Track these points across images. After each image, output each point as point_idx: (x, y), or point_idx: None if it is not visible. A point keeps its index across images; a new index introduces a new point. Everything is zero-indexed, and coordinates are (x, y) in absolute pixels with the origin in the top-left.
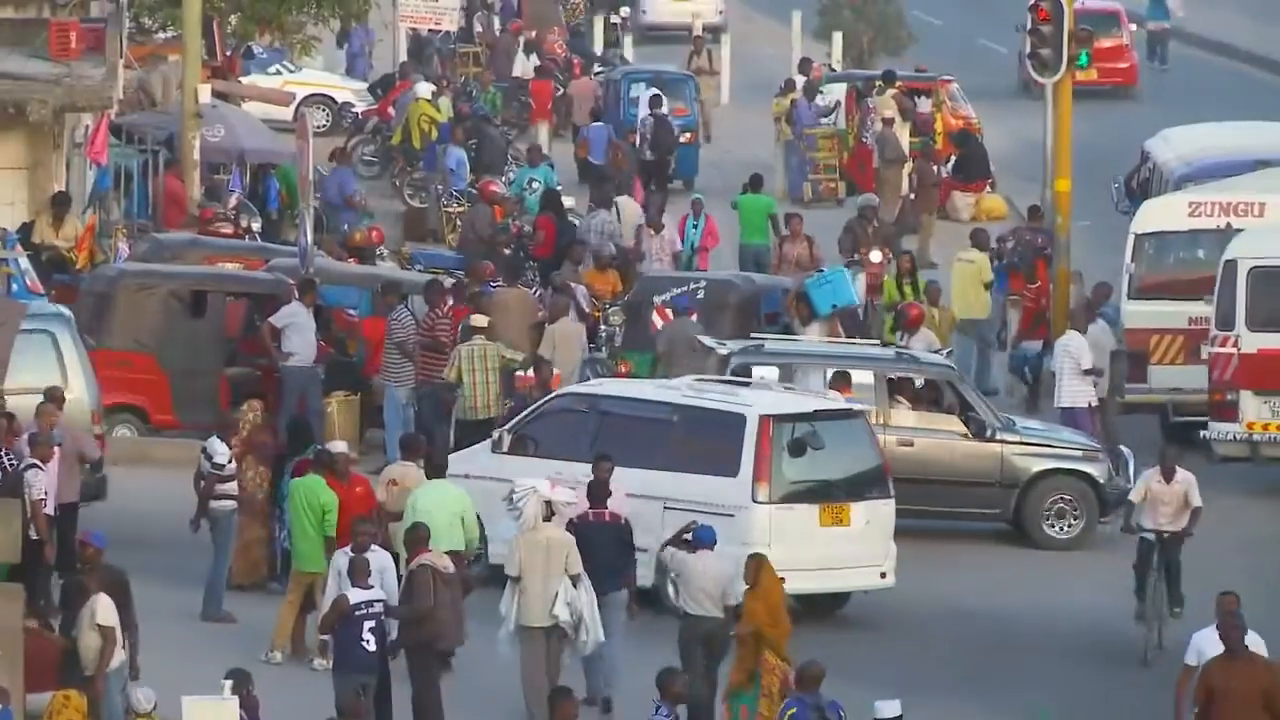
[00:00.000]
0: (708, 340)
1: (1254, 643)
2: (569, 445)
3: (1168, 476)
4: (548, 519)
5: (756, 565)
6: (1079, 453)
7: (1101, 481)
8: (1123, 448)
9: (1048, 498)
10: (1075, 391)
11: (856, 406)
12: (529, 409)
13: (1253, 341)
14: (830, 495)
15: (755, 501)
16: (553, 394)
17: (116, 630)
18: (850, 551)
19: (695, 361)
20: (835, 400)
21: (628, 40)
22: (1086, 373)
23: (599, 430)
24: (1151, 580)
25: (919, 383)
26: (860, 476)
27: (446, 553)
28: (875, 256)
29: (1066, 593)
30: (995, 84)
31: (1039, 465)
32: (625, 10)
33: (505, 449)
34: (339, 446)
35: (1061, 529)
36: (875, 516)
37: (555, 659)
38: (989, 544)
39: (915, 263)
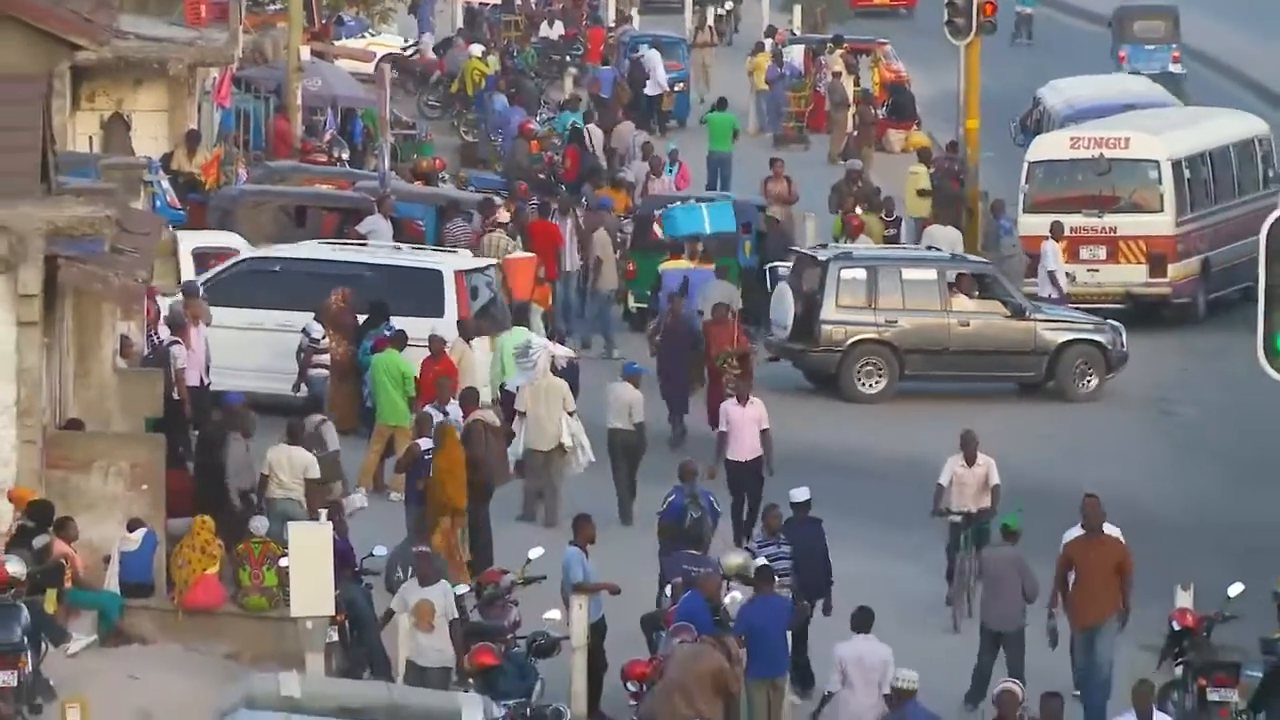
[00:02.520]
0: (804, 249)
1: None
2: (262, 298)
3: (970, 460)
4: (554, 370)
5: (443, 431)
6: (1091, 326)
7: (1109, 347)
8: (1113, 321)
9: (1073, 362)
10: (1043, 286)
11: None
12: (218, 269)
13: None
14: (496, 329)
15: (461, 336)
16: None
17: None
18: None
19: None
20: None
21: (634, 11)
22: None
23: (295, 285)
24: (958, 559)
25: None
26: (503, 315)
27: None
28: (859, 210)
29: (1022, 446)
30: (919, 42)
31: (1063, 337)
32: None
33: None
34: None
35: (1084, 385)
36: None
37: (554, 476)
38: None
39: (856, 204)
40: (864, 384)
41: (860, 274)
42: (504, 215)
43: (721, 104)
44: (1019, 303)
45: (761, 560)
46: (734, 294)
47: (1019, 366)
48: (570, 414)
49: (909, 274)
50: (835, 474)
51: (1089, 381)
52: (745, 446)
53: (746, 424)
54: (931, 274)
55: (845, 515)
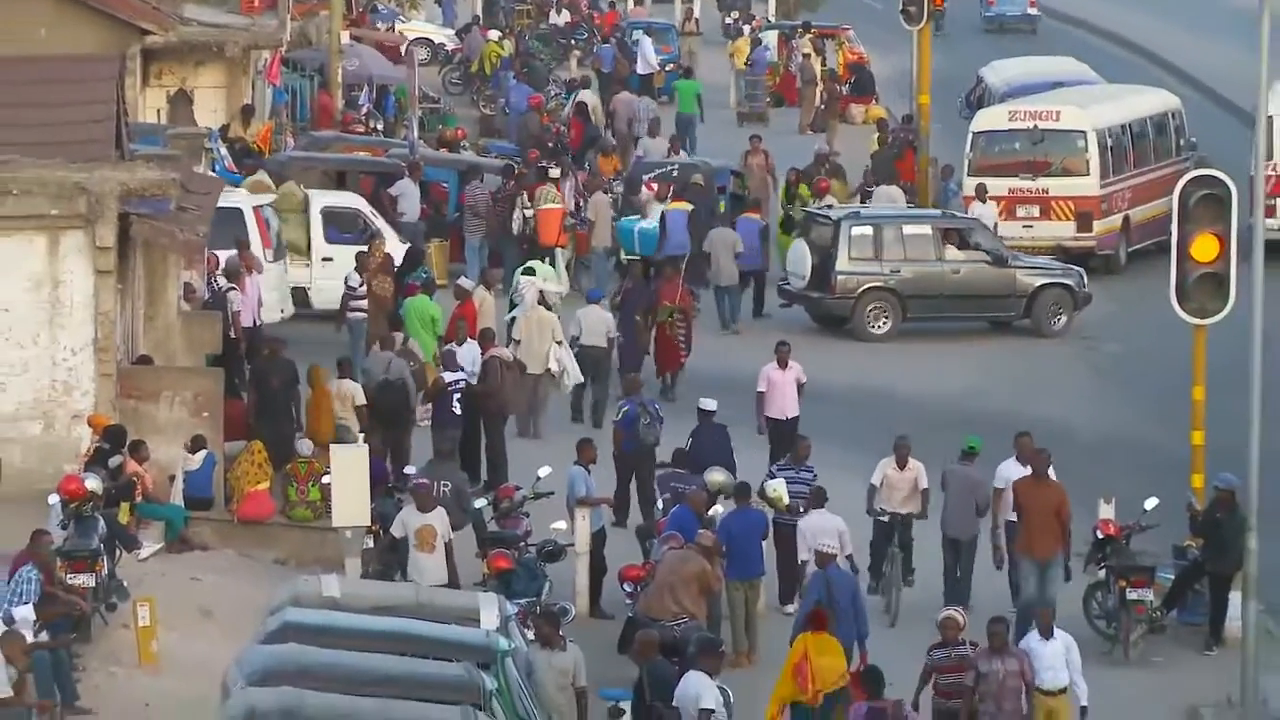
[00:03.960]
0: (816, 210)
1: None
2: None
3: (901, 465)
4: (541, 303)
5: (313, 374)
6: (1061, 271)
7: (1077, 289)
8: (1077, 267)
9: (1048, 303)
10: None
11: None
12: None
13: None
14: (297, 252)
15: (268, 261)
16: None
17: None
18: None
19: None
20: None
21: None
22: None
23: None
24: (889, 556)
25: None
26: (297, 242)
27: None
28: (825, 183)
29: (971, 378)
30: (876, 30)
31: (1039, 281)
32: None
33: None
34: (466, 284)
35: (1056, 322)
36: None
37: (544, 395)
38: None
39: (800, 178)
40: (873, 325)
41: (868, 230)
42: (555, 171)
43: (688, 73)
44: (1000, 252)
45: (783, 485)
46: (736, 239)
47: (1001, 308)
48: (559, 343)
49: (908, 230)
50: (842, 404)
51: (1060, 319)
52: (785, 405)
53: (785, 385)
54: (927, 229)
55: (848, 442)
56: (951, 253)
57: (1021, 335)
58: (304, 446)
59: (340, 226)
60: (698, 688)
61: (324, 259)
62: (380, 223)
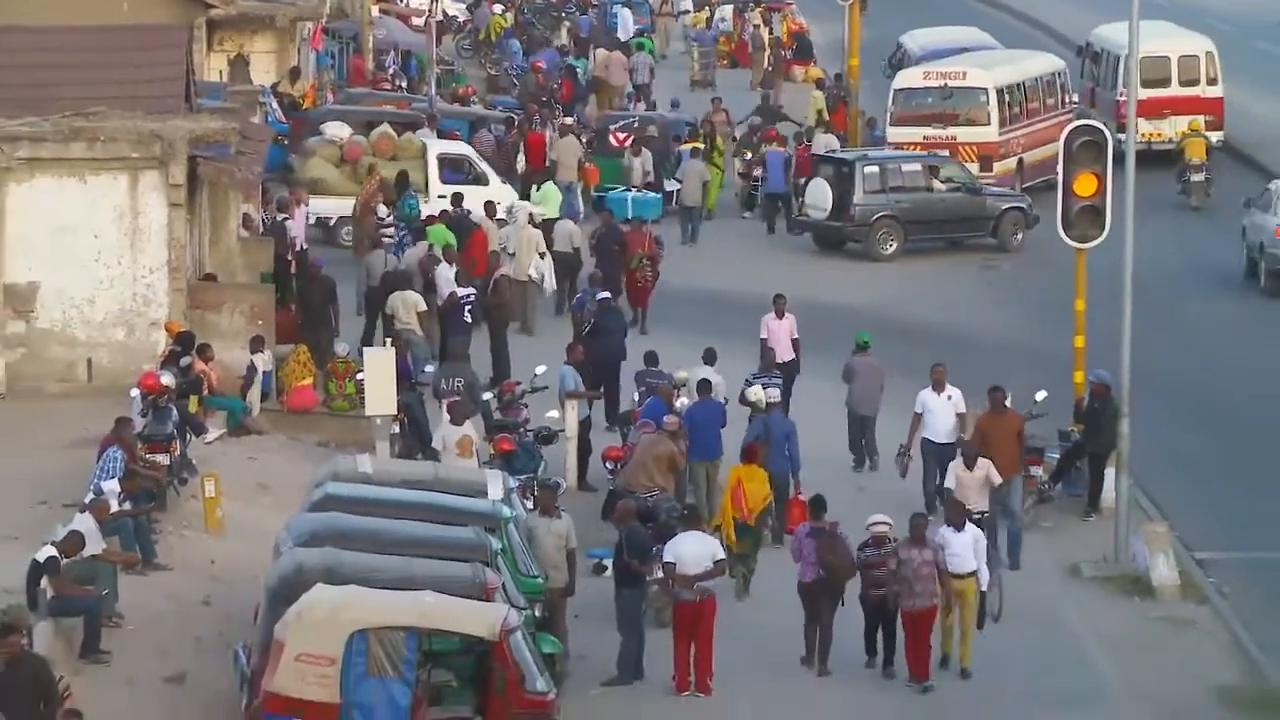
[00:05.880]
0: (828, 154)
1: (956, 395)
2: None
3: (970, 465)
4: (531, 223)
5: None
6: (1017, 196)
7: (1028, 212)
8: (1024, 194)
9: (1009, 223)
10: None
11: None
12: None
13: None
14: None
15: (486, 214)
16: None
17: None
18: None
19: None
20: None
21: None
22: None
23: None
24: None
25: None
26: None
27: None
28: (773, 131)
29: (883, 296)
30: (814, 3)
31: (1004, 205)
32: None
33: None
34: (475, 215)
35: (1015, 240)
36: None
37: (532, 299)
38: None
39: (714, 130)
40: (883, 248)
41: (876, 169)
42: (568, 121)
43: (640, 33)
44: (973, 183)
45: (759, 390)
46: (705, 171)
47: (976, 228)
48: (541, 255)
49: (906, 167)
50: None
51: (1018, 236)
52: (781, 350)
53: (781, 334)
54: (919, 166)
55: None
56: (937, 184)
57: (933, 256)
58: (342, 349)
59: (452, 170)
60: (706, 544)
61: (439, 196)
62: (484, 166)
